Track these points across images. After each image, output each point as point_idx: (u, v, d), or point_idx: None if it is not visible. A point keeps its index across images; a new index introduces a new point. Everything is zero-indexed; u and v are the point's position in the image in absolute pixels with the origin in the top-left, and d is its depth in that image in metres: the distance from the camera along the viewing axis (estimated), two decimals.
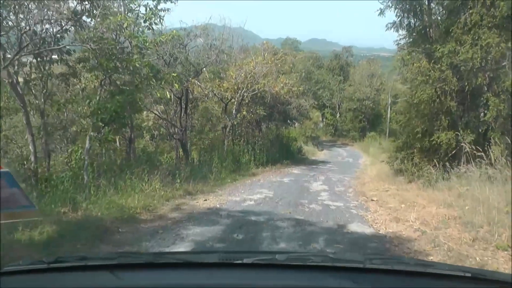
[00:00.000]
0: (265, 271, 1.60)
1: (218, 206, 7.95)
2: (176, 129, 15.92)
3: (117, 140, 14.12)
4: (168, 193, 8.24)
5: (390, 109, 37.50)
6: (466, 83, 11.14)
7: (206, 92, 16.64)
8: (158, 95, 10.22)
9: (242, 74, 16.64)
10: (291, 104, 20.32)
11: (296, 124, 27.29)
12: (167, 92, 10.53)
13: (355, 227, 6.90)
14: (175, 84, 10.38)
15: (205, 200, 8.44)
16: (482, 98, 11.92)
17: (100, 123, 9.82)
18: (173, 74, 10.40)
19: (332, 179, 14.82)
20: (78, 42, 9.08)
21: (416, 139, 12.18)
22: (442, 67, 10.86)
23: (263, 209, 7.87)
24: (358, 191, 11.73)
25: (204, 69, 17.46)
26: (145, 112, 16.06)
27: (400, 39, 14.04)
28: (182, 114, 16.08)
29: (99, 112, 9.58)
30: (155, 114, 16.50)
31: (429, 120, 11.94)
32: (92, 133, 9.85)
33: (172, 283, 1.50)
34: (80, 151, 10.58)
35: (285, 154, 20.57)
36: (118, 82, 10.43)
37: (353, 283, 1.46)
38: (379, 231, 6.77)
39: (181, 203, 7.93)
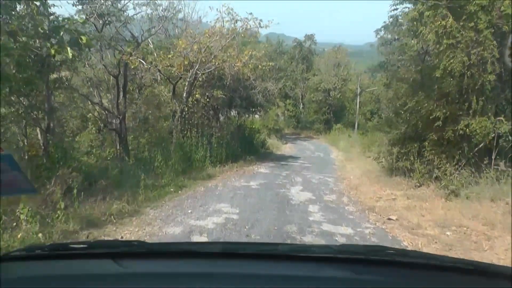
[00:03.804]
0: (268, 261, 1.53)
1: None
2: (114, 118, 11.97)
3: (38, 130, 9.85)
4: (41, 233, 4.22)
5: (359, 99, 34.87)
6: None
7: (147, 67, 12.58)
8: (53, 52, 6.26)
9: (195, 47, 12.80)
10: (256, 88, 16.62)
11: (257, 115, 23.64)
12: (69, 51, 6.54)
13: None
14: (82, 37, 6.43)
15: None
16: None
17: None
18: (78, 19, 6.50)
19: (312, 181, 11.40)
20: None
21: (432, 129, 8.87)
22: (478, 26, 7.63)
23: None
24: (357, 201, 8.31)
25: (149, 40, 13.43)
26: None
27: (400, 1, 10.84)
28: (120, 98, 12.04)
29: None
30: (84, 96, 12.29)
31: (451, 102, 8.71)
32: None
33: (175, 271, 1.41)
34: None
35: (247, 148, 16.97)
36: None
37: (355, 274, 1.35)
38: None
39: None
